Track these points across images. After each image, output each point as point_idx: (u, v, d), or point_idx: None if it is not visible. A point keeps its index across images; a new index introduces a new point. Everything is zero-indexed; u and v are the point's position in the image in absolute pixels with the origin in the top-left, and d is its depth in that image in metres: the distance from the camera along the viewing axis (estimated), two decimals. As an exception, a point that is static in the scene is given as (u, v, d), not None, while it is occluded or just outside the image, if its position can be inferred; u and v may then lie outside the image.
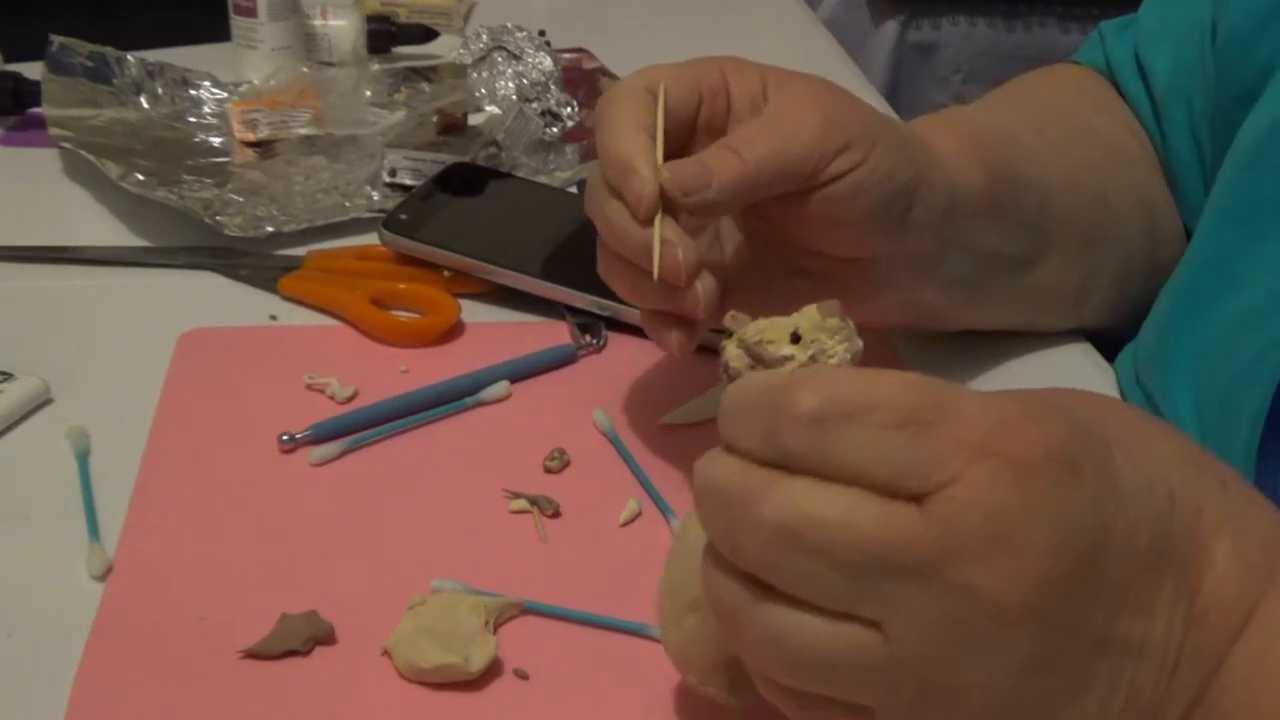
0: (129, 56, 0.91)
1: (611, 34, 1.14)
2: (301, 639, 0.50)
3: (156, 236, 0.77)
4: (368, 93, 0.92)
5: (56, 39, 0.89)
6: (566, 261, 0.72)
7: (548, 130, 0.89)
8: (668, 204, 0.54)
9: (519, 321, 0.71)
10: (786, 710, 0.40)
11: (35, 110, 0.89)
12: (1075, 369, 0.69)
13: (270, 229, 0.76)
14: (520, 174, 0.83)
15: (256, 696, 0.48)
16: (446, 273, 0.72)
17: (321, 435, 0.60)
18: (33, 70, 0.89)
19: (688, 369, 0.67)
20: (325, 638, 0.50)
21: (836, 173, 0.55)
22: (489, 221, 0.76)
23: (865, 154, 0.55)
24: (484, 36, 0.94)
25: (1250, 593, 0.40)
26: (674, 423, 0.63)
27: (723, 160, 0.54)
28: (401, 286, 0.71)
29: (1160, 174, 0.73)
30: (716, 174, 0.53)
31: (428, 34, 1.04)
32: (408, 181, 0.81)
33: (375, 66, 0.96)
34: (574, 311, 0.70)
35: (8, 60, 0.95)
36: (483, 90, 0.93)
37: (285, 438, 0.60)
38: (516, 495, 0.58)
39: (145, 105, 0.90)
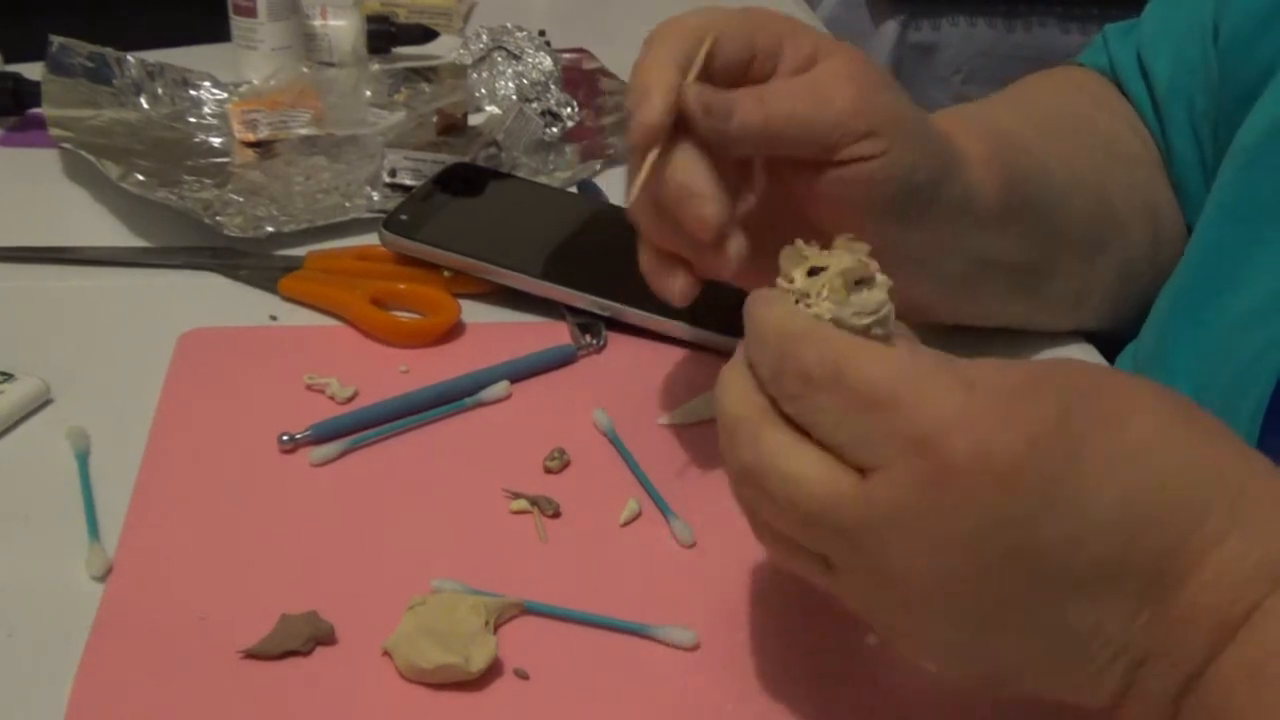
0: (129, 57, 0.91)
1: (611, 34, 1.14)
2: (301, 639, 0.50)
3: (156, 237, 0.77)
4: (368, 93, 0.92)
5: (56, 39, 0.89)
6: (567, 261, 0.72)
7: (548, 130, 0.89)
8: (712, 150, 0.53)
9: (519, 321, 0.71)
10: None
11: (35, 110, 0.89)
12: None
13: (270, 229, 0.76)
14: (520, 174, 0.83)
15: (256, 696, 0.48)
16: (446, 273, 0.72)
17: (321, 435, 0.60)
18: (33, 70, 0.89)
19: (688, 369, 0.67)
20: (325, 638, 0.50)
21: (856, 155, 0.55)
22: (489, 222, 0.76)
23: (888, 145, 0.55)
24: (484, 36, 0.94)
25: (1246, 599, 0.39)
26: (674, 423, 0.63)
27: (749, 103, 0.53)
28: (401, 287, 0.71)
29: (1164, 174, 0.73)
30: (740, 111, 0.53)
31: (428, 34, 1.04)
32: (408, 182, 0.81)
33: (375, 67, 0.96)
34: (574, 311, 0.70)
35: (8, 60, 0.95)
36: (483, 90, 0.93)
37: (285, 438, 0.60)
38: (517, 495, 0.58)
39: (145, 105, 0.90)
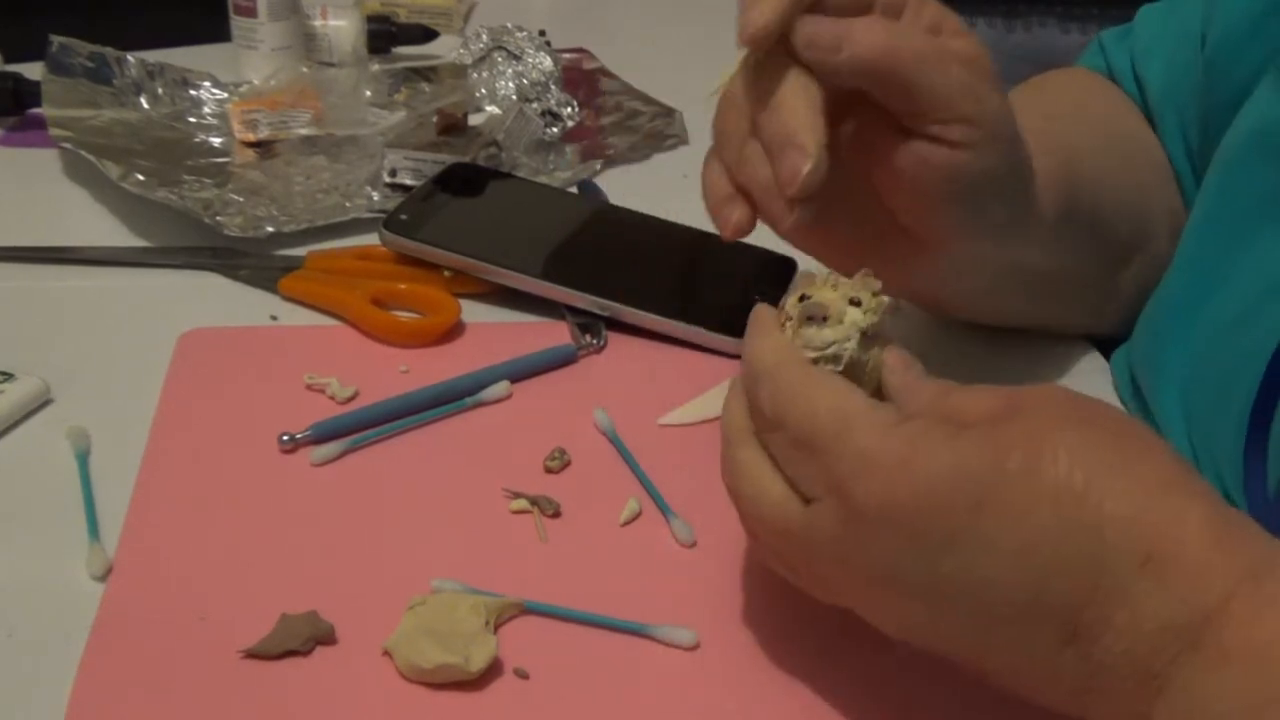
0: (129, 56, 0.91)
1: (611, 34, 1.14)
2: (302, 639, 0.50)
3: (156, 236, 0.77)
4: (368, 93, 0.92)
5: (56, 39, 0.89)
6: (567, 261, 0.72)
7: (548, 130, 0.89)
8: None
9: (519, 321, 0.71)
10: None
11: (35, 110, 0.89)
12: (1076, 369, 0.69)
13: (270, 229, 0.76)
14: (520, 174, 0.83)
15: (256, 696, 0.48)
16: (447, 273, 0.72)
17: (322, 435, 0.60)
18: (33, 70, 0.89)
19: (688, 369, 0.67)
20: (325, 638, 0.50)
21: (948, 137, 0.53)
22: (489, 221, 0.76)
23: (981, 141, 0.53)
24: (484, 36, 0.94)
25: (1164, 654, 0.39)
26: (674, 423, 0.63)
27: (873, 32, 0.51)
28: (402, 286, 0.71)
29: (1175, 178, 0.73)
30: (852, 41, 0.50)
31: (428, 34, 1.04)
32: (408, 181, 0.81)
33: (375, 66, 0.96)
34: (574, 311, 0.70)
35: (8, 60, 0.95)
36: (483, 90, 0.93)
37: (285, 438, 0.60)
38: (517, 495, 0.58)
39: (145, 105, 0.90)
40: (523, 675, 0.50)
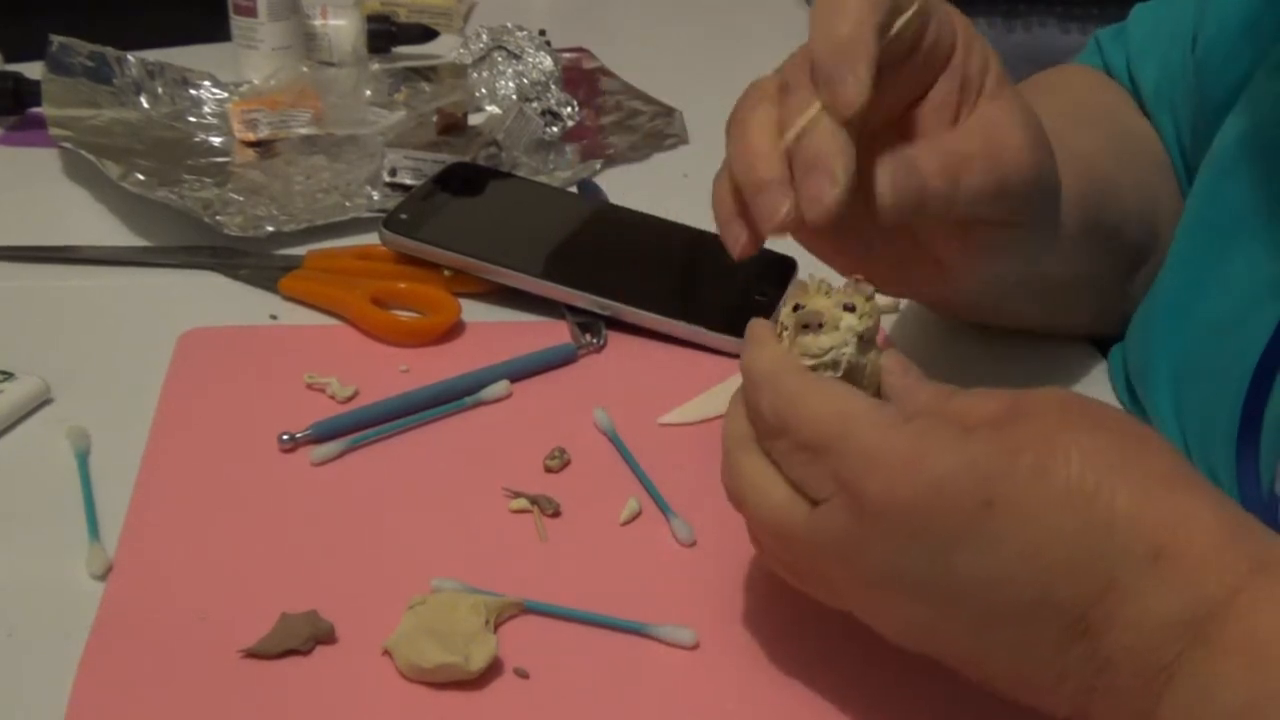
0: (129, 56, 0.91)
1: (611, 34, 1.14)
2: (302, 638, 0.50)
3: (156, 236, 0.77)
4: (368, 92, 0.92)
5: (56, 39, 0.89)
6: (567, 261, 0.72)
7: (548, 130, 0.89)
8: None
9: (519, 321, 0.71)
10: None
11: (35, 110, 0.89)
12: (1074, 367, 0.69)
13: (270, 229, 0.76)
14: (520, 174, 0.83)
15: (256, 696, 0.48)
16: (447, 272, 0.72)
17: (322, 435, 0.60)
18: (33, 70, 0.89)
19: (688, 369, 0.67)
20: (325, 637, 0.50)
21: (989, 220, 0.54)
22: (489, 221, 0.76)
23: (1024, 220, 0.55)
24: (484, 36, 0.94)
25: (1169, 649, 0.39)
26: (674, 422, 0.63)
27: (936, 173, 0.51)
28: (402, 286, 0.71)
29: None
30: (928, 180, 0.51)
31: (428, 34, 1.04)
32: (408, 181, 0.81)
33: (375, 66, 0.96)
34: (574, 311, 0.70)
35: (8, 60, 0.95)
36: (483, 90, 0.93)
37: (285, 437, 0.60)
38: (517, 494, 0.58)
39: (145, 105, 0.90)
40: (523, 675, 0.50)
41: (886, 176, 0.51)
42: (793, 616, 0.52)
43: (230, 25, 0.96)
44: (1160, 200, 0.70)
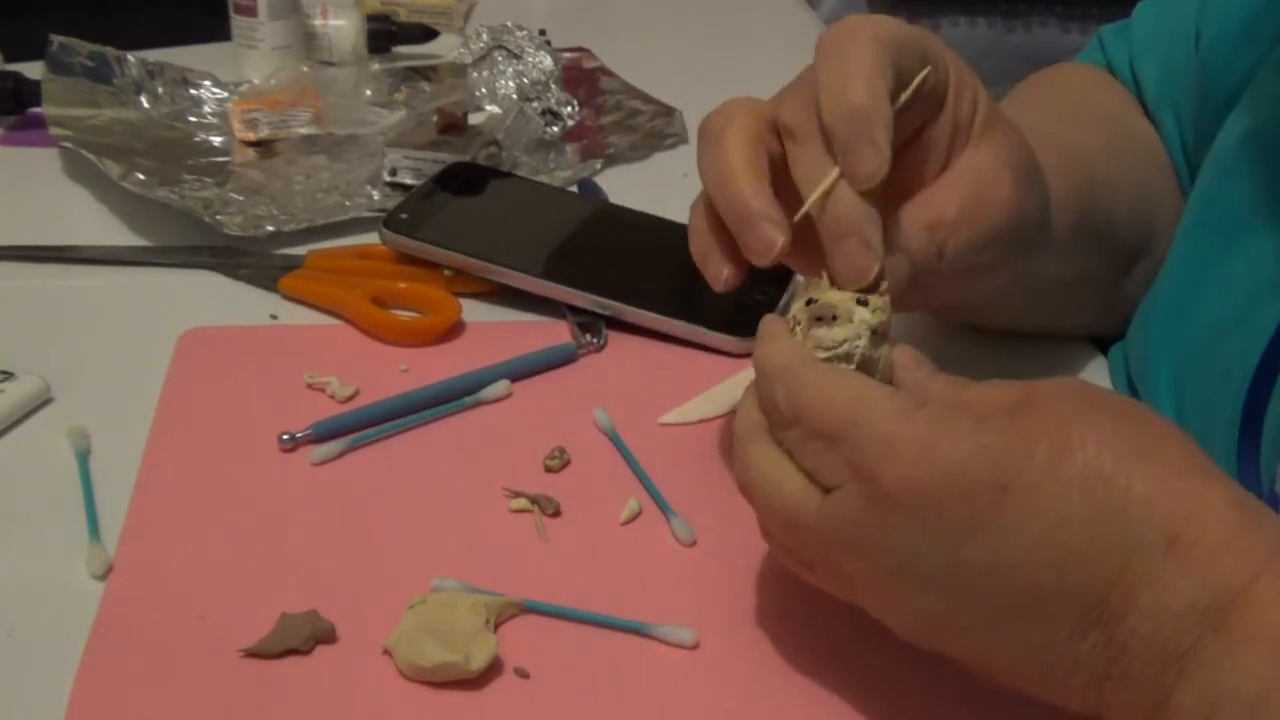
0: (129, 56, 0.91)
1: (611, 34, 1.14)
2: (302, 638, 0.50)
3: (156, 236, 0.77)
4: (368, 92, 0.92)
5: (56, 39, 0.89)
6: (567, 260, 0.72)
7: (548, 129, 0.89)
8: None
9: (519, 321, 0.71)
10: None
11: (35, 110, 0.89)
12: (1074, 366, 0.69)
13: (270, 228, 0.76)
14: (521, 173, 0.83)
15: (256, 696, 0.48)
16: (447, 272, 0.72)
17: (322, 434, 0.60)
18: (33, 70, 0.89)
19: (688, 368, 0.67)
20: (326, 637, 0.50)
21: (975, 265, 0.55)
22: (489, 221, 0.76)
23: (1009, 262, 0.55)
24: (484, 36, 0.94)
25: (1186, 636, 0.39)
26: (674, 422, 0.63)
27: (923, 237, 0.52)
28: (402, 286, 0.71)
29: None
30: (914, 243, 0.52)
31: (428, 33, 1.04)
32: (408, 181, 0.81)
33: (375, 66, 0.96)
34: (575, 310, 0.70)
35: (8, 60, 0.95)
36: (483, 90, 0.93)
37: (286, 437, 0.60)
38: (517, 494, 0.58)
39: (145, 105, 0.90)
40: (523, 674, 0.50)
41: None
42: (794, 616, 0.52)
43: (230, 25, 0.96)
44: (1159, 200, 0.70)
